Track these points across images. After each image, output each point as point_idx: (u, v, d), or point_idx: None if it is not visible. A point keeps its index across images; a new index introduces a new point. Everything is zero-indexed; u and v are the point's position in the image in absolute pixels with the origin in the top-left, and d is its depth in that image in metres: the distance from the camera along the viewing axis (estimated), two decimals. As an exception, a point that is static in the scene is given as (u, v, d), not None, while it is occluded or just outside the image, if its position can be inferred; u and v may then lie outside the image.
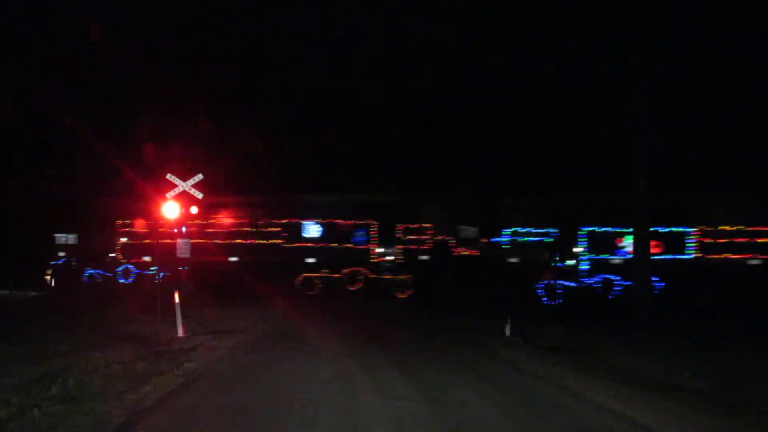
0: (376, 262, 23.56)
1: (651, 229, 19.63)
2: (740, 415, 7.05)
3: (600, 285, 21.84)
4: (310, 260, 23.64)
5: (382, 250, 23.56)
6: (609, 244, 22.54)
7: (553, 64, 22.04)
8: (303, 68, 27.38)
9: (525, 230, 23.53)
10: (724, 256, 21.46)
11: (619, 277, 21.52)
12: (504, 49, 23.62)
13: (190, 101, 25.21)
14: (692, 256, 21.93)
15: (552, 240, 23.04)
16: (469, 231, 24.77)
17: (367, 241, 23.65)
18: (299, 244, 23.98)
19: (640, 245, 16.27)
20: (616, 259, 22.26)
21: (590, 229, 22.50)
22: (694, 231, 22.07)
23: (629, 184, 16.21)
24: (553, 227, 23.05)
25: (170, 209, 15.09)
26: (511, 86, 26.03)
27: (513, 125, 27.50)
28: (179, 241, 15.61)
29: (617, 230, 22.28)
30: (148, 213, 22.43)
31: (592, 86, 20.90)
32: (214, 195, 22.09)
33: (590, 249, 22.47)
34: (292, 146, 28.55)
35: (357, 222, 23.85)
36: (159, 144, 23.17)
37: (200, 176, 17.25)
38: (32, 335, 11.66)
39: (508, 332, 13.63)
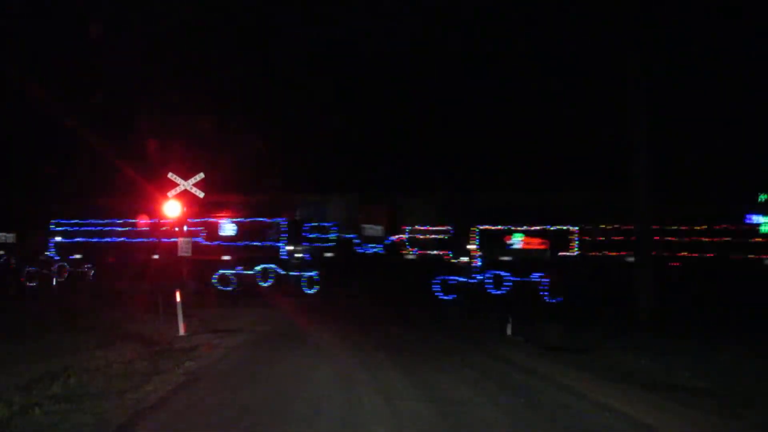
0: (286, 259, 24.37)
1: (537, 228, 23.43)
2: (741, 415, 7.06)
3: (491, 280, 23.11)
4: (226, 257, 24.44)
5: (291, 247, 24.42)
6: (499, 241, 24.08)
7: (553, 64, 22.12)
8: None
9: (423, 228, 24.93)
10: (604, 253, 23.13)
11: (508, 274, 23.05)
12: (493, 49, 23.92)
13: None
14: (576, 253, 23.43)
15: (447, 237, 24.46)
16: (375, 229, 26.11)
17: (278, 239, 24.50)
18: (217, 242, 25.00)
19: (641, 246, 16.27)
20: (505, 256, 23.84)
21: (482, 227, 23.98)
22: (576, 229, 23.63)
23: (629, 185, 16.21)
24: (448, 225, 24.66)
25: (172, 208, 15.18)
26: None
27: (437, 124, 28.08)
28: (180, 239, 15.62)
29: (507, 228, 24.01)
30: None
31: (591, 86, 20.94)
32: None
33: (482, 246, 23.79)
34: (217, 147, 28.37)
35: (268, 220, 24.83)
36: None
37: (201, 175, 17.25)
38: (33, 334, 11.67)
39: (509, 331, 13.63)
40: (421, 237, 24.99)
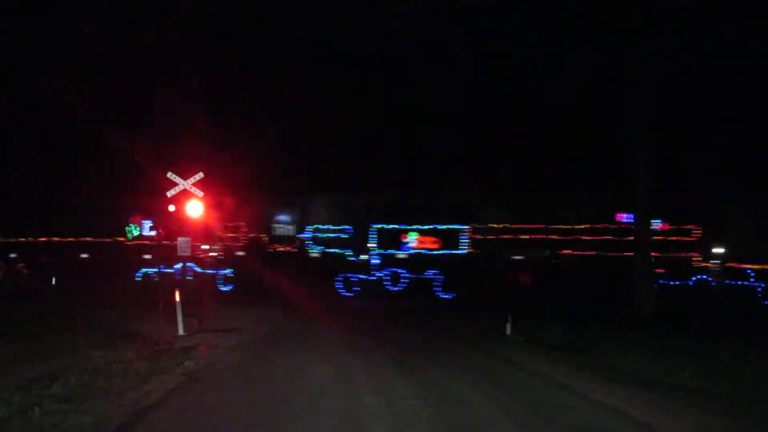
0: (203, 258, 25.49)
1: (429, 227, 24.91)
2: (741, 414, 7.06)
3: (389, 277, 24.64)
4: (148, 256, 25.64)
5: (207, 246, 25.66)
6: (396, 240, 25.41)
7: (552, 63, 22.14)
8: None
9: (325, 227, 26.15)
10: (492, 251, 24.59)
11: (405, 271, 24.67)
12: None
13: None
14: (465, 251, 24.81)
15: (347, 236, 25.86)
16: (286, 229, 27.38)
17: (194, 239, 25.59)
18: (139, 242, 26.45)
19: (641, 247, 16.28)
20: (402, 254, 25.17)
21: (379, 226, 25.21)
22: (467, 228, 24.96)
23: (630, 185, 16.21)
24: (348, 224, 25.96)
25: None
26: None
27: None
28: (179, 239, 15.60)
29: (403, 227, 25.27)
30: None
31: (591, 87, 20.95)
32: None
33: (380, 245, 25.23)
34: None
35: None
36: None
37: (201, 174, 17.22)
38: (32, 334, 11.65)
39: (508, 331, 13.64)
40: (323, 236, 26.28)
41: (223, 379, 8.59)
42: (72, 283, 22.86)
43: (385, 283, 24.51)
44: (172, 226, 19.71)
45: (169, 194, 16.65)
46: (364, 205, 26.37)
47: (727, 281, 22.78)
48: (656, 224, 22.59)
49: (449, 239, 25.03)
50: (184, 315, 12.86)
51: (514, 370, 9.81)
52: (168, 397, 7.22)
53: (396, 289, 24.36)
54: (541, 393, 8.03)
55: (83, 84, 24.56)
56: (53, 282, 24.08)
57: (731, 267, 22.80)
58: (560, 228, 24.32)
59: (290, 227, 27.34)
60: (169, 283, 23.46)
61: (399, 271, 24.70)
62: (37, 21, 24.17)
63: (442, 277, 23.86)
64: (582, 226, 24.03)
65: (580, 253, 23.78)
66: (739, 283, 22.46)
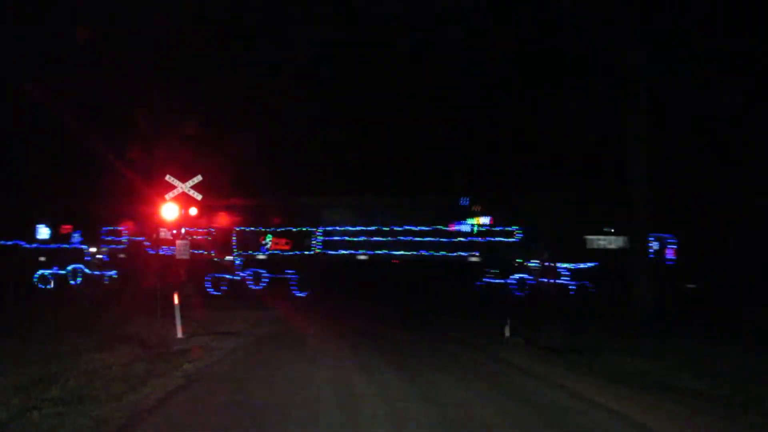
0: (90, 260, 27.00)
1: (283, 229, 27.00)
2: (740, 416, 7.07)
3: (251, 277, 26.81)
4: (42, 259, 26.77)
5: (93, 249, 27.07)
6: (255, 242, 27.40)
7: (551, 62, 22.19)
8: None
9: (193, 229, 27.30)
10: (341, 251, 26.89)
11: (264, 271, 26.82)
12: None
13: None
14: (314, 252, 27.13)
15: (211, 238, 27.76)
16: (167, 232, 28.18)
17: (82, 242, 27.09)
18: (34, 245, 27.38)
19: (638, 248, 16.30)
20: (261, 255, 27.20)
21: (239, 228, 27.39)
22: (320, 231, 27.25)
23: (627, 189, 16.24)
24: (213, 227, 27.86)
25: (169, 210, 15.20)
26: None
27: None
28: (178, 242, 15.62)
29: (260, 230, 27.38)
30: None
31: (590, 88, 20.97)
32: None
33: (240, 246, 27.34)
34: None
35: (74, 225, 27.50)
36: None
37: (199, 177, 17.24)
38: (31, 337, 11.64)
39: (507, 333, 13.65)
40: (193, 238, 27.55)
41: (221, 382, 8.58)
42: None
43: (248, 282, 26.76)
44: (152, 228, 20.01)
45: (167, 197, 16.67)
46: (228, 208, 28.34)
47: (543, 279, 24.90)
48: (486, 221, 26.07)
49: (300, 241, 27.37)
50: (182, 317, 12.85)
51: (512, 372, 9.82)
52: (166, 399, 7.21)
53: (258, 287, 26.54)
54: (539, 394, 8.04)
55: (64, 85, 24.55)
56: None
57: (550, 266, 24.82)
58: (398, 230, 26.90)
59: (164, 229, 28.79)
60: (64, 282, 24.09)
61: (260, 270, 26.95)
62: (25, 23, 24.15)
63: (296, 276, 26.49)
64: (419, 229, 26.64)
65: (415, 253, 26.40)
66: (553, 282, 24.59)
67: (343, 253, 26.80)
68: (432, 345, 13.09)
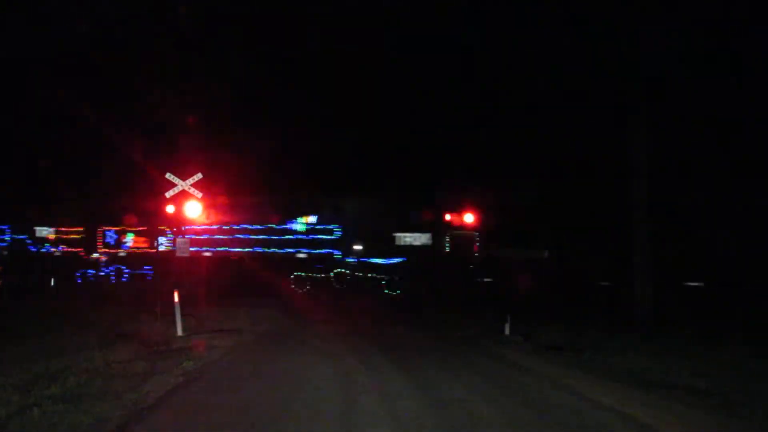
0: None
1: (141, 229, 29.55)
2: (739, 414, 7.06)
3: (115, 273, 29.72)
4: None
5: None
6: (118, 240, 30.33)
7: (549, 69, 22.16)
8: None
9: (66, 229, 30.58)
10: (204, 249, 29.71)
11: (125, 267, 29.80)
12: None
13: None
14: (167, 249, 29.43)
15: (80, 237, 30.77)
16: (48, 230, 31.16)
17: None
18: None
19: (639, 248, 16.24)
20: (122, 252, 30.26)
21: (103, 228, 30.10)
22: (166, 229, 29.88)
23: (627, 188, 16.20)
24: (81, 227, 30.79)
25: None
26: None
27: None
28: (178, 239, 15.61)
29: (123, 229, 30.18)
30: None
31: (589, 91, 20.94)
32: None
33: (105, 245, 30.39)
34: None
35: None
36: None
37: (200, 175, 17.23)
38: (31, 334, 11.65)
39: (507, 331, 13.66)
40: (65, 237, 30.76)
41: (222, 380, 8.59)
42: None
43: (111, 277, 29.41)
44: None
45: (168, 195, 16.67)
46: (94, 207, 30.72)
47: (359, 273, 27.71)
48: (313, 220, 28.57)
49: (155, 239, 30.11)
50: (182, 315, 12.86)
51: (512, 370, 9.82)
52: (167, 397, 7.21)
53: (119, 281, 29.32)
54: (538, 393, 8.04)
55: (75, 81, 24.62)
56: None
57: (366, 262, 27.75)
58: (236, 229, 29.88)
59: (51, 229, 31.45)
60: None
61: (122, 267, 29.45)
62: (36, 19, 24.14)
63: (152, 271, 29.07)
64: (258, 228, 29.32)
65: (250, 250, 29.14)
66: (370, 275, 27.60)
67: (192, 250, 28.09)
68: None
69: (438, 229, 27.81)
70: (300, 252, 28.56)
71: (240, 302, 19.75)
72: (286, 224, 29.12)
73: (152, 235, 29.96)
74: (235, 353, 10.81)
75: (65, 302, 19.79)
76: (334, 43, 26.25)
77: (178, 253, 15.30)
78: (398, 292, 26.36)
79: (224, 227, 29.75)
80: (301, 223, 28.79)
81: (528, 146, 27.15)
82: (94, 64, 24.92)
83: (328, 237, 28.36)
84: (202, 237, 29.49)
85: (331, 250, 28.33)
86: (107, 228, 30.43)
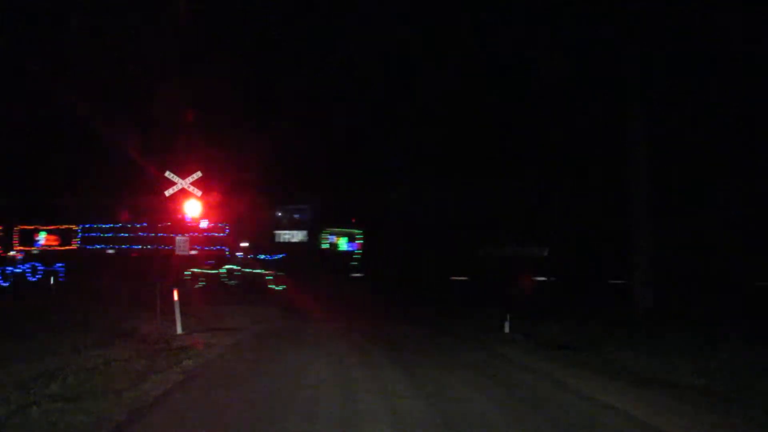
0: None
1: (54, 227, 31.56)
2: (739, 411, 7.06)
3: (30, 270, 30.07)
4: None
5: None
6: (31, 238, 31.78)
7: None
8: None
9: None
10: (96, 246, 32.03)
11: (40, 264, 30.38)
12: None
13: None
14: (76, 246, 32.02)
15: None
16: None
17: None
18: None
19: (640, 246, 16.27)
20: (35, 250, 31.59)
21: (20, 226, 31.32)
22: (81, 227, 32.15)
23: (627, 182, 16.21)
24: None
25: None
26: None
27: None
28: (177, 237, 15.60)
29: (35, 227, 31.58)
30: None
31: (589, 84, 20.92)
32: None
33: (20, 242, 31.57)
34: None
35: None
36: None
37: (199, 173, 17.21)
38: (31, 333, 11.63)
39: (507, 329, 13.66)
40: None
41: (221, 378, 8.59)
42: None
43: (27, 274, 29.81)
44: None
45: (167, 193, 16.65)
46: (15, 206, 31.45)
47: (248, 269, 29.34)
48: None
49: (66, 237, 31.54)
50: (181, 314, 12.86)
51: (512, 367, 9.82)
52: (166, 396, 7.20)
53: (35, 279, 29.80)
54: (538, 390, 8.05)
55: (76, 78, 24.58)
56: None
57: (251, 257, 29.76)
58: (137, 227, 31.79)
59: None
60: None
61: (37, 264, 30.23)
62: (36, 17, 24.12)
63: (63, 267, 30.09)
64: (140, 225, 31.43)
65: (150, 247, 30.80)
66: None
67: (98, 248, 31.68)
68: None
69: (314, 226, 30.24)
70: (194, 249, 29.60)
71: (237, 301, 19.76)
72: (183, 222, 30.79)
73: (60, 234, 31.74)
74: (235, 351, 10.81)
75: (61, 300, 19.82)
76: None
77: (178, 252, 15.29)
78: (284, 287, 27.35)
79: (127, 225, 31.74)
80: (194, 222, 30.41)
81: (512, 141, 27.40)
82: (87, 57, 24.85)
83: (219, 235, 30.14)
84: (107, 235, 31.97)
85: (221, 247, 30.10)
86: (23, 227, 31.79)
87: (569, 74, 21.72)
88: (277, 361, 9.86)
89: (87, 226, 32.04)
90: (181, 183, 17.09)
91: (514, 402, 7.34)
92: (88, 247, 32.04)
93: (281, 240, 30.58)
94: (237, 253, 29.77)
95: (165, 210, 28.16)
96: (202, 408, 6.81)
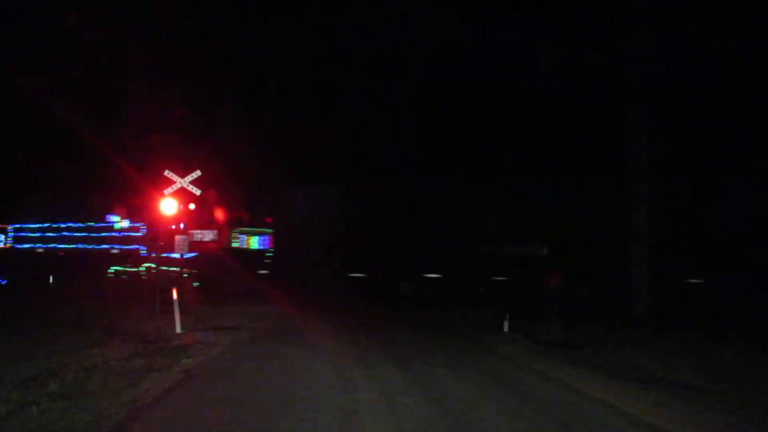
0: None
1: None
2: (738, 410, 7.06)
3: None
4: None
5: None
6: None
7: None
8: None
9: None
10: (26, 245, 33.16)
11: None
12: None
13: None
14: (9, 246, 33.31)
15: None
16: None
17: None
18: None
19: (639, 246, 16.27)
20: None
21: None
22: (11, 227, 33.38)
23: (628, 185, 16.20)
24: None
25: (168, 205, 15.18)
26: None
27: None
28: (177, 237, 15.57)
29: None
30: None
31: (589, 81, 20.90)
32: None
33: None
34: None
35: None
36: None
37: (198, 172, 17.17)
38: (30, 332, 11.63)
39: (506, 328, 13.66)
40: None
41: (221, 377, 8.58)
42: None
43: None
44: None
45: (166, 192, 16.61)
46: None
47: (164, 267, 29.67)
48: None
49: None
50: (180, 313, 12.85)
51: (511, 367, 9.83)
52: (165, 394, 7.19)
53: None
54: (536, 389, 8.05)
55: (58, 75, 24.49)
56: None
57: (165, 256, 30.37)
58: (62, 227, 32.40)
59: None
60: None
61: None
62: (19, 15, 24.04)
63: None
64: (77, 226, 31.99)
65: (73, 247, 31.73)
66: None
67: (29, 247, 32.80)
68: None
69: (225, 225, 31.17)
70: (113, 248, 31.36)
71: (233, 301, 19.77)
72: (105, 222, 32.16)
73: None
74: (234, 350, 10.80)
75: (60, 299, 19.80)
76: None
77: (177, 251, 15.27)
78: (198, 284, 27.82)
79: (53, 225, 32.69)
80: (115, 221, 31.65)
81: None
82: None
83: (136, 234, 31.30)
84: (35, 235, 32.88)
85: (138, 246, 31.12)
86: None
87: (569, 74, 21.76)
88: (276, 360, 9.84)
89: (17, 225, 33.40)
90: (180, 182, 17.04)
91: (512, 400, 7.34)
92: (18, 246, 33.29)
93: (194, 239, 31.03)
94: (152, 253, 30.48)
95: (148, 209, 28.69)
96: (201, 407, 6.80)
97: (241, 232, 31.44)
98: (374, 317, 18.47)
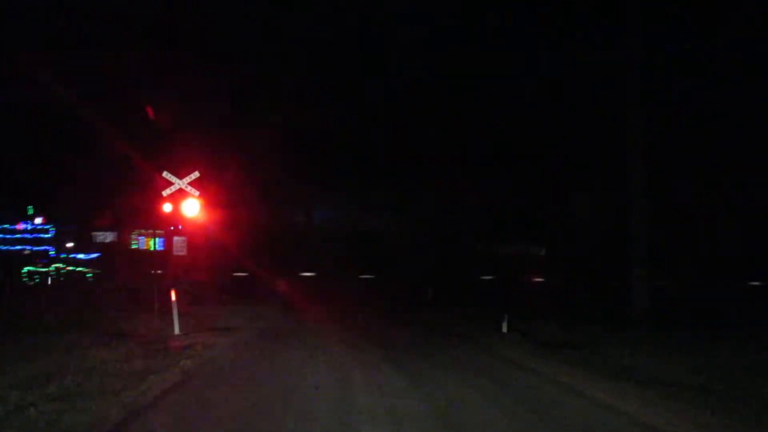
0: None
1: None
2: (736, 411, 7.06)
3: None
4: None
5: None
6: None
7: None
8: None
9: None
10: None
11: None
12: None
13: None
14: None
15: None
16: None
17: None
18: None
19: (639, 246, 16.27)
20: None
21: None
22: None
23: (626, 185, 16.21)
24: None
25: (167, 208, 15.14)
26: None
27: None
28: (175, 238, 15.56)
29: None
30: None
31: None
32: None
33: None
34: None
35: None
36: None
37: (197, 174, 17.14)
38: (28, 333, 11.60)
39: (505, 329, 13.66)
40: None
41: (220, 378, 8.58)
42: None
43: None
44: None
45: (164, 193, 16.57)
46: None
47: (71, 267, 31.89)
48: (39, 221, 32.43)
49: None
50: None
51: (509, 367, 9.82)
52: (165, 396, 7.19)
53: None
54: (534, 389, 8.04)
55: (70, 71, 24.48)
56: None
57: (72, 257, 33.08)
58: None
59: None
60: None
61: None
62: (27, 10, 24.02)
63: None
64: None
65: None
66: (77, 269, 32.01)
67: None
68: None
69: (123, 227, 32.45)
70: (25, 249, 32.60)
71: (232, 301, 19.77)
72: (20, 225, 33.36)
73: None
74: (233, 351, 10.80)
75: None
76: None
77: (175, 252, 15.26)
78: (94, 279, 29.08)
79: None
80: (26, 224, 32.73)
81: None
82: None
83: (45, 236, 32.51)
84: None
85: (47, 248, 32.20)
86: None
87: (568, 73, 21.77)
88: (275, 360, 9.84)
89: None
90: (178, 183, 17.02)
91: (512, 401, 7.34)
92: None
93: (97, 240, 33.29)
94: (60, 254, 32.14)
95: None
96: (200, 408, 6.80)
97: (139, 234, 32.29)
98: (374, 317, 18.48)
